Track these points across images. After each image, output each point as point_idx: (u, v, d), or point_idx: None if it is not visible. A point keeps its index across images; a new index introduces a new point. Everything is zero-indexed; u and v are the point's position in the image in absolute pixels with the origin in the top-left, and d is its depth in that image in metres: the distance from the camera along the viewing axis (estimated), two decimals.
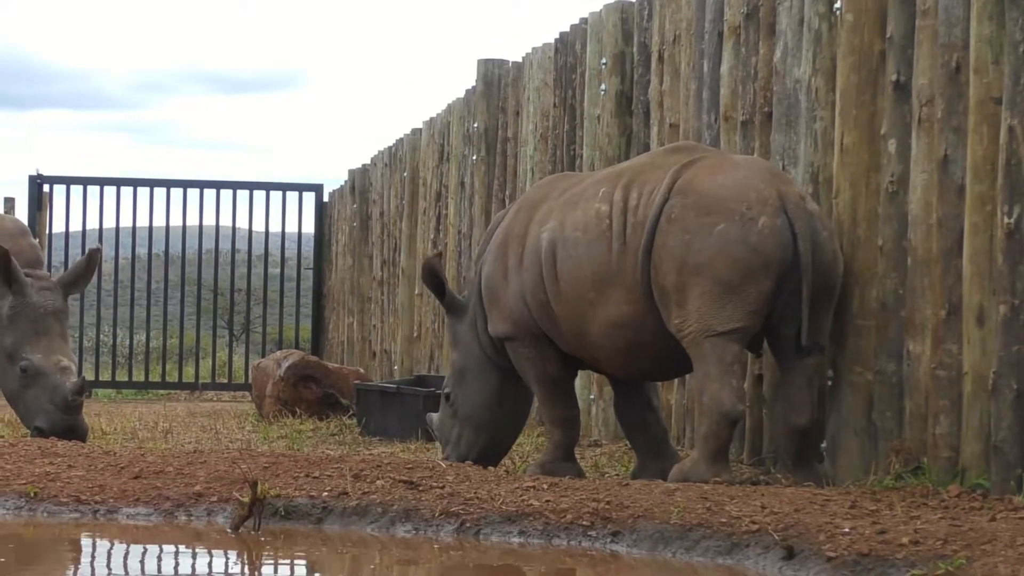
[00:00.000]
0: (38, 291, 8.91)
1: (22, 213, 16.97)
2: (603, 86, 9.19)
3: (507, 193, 11.02)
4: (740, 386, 6.45)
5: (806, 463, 6.40)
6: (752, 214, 6.29)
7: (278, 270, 18.23)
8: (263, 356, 15.14)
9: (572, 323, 6.76)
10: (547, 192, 7.14)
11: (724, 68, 7.65)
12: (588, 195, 6.79)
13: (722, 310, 6.27)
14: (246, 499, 5.51)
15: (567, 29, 9.98)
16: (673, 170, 6.54)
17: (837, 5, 6.59)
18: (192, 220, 17.28)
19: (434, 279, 7.38)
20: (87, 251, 9.52)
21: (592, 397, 9.19)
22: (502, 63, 11.55)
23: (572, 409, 7.12)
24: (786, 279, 6.30)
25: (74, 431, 8.58)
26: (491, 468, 6.83)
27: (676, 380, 7.95)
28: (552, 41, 10.23)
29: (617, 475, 7.15)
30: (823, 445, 6.53)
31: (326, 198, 18.64)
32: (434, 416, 7.63)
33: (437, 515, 5.51)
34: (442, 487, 5.82)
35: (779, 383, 6.52)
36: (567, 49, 9.93)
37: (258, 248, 19.20)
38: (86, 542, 5.61)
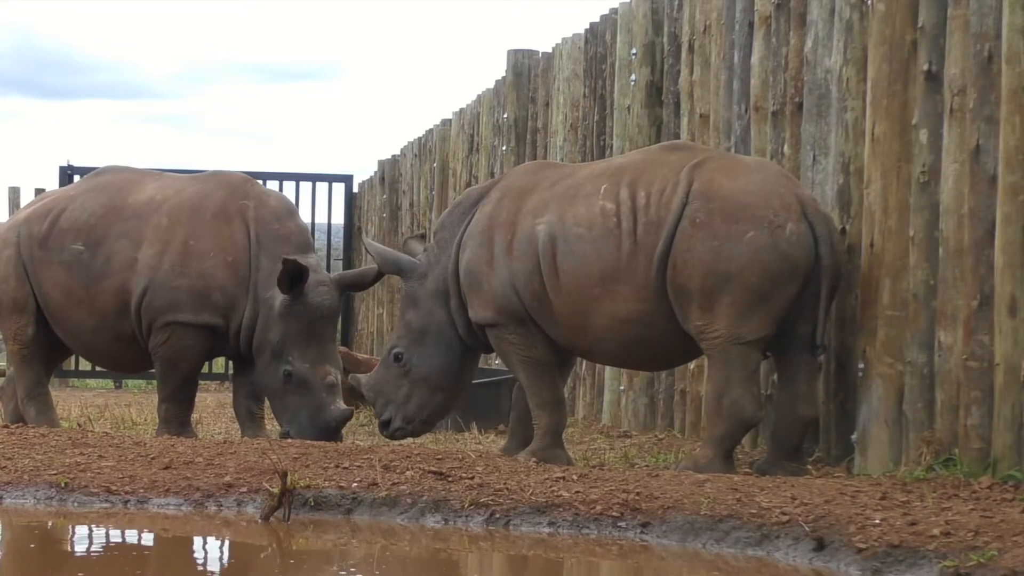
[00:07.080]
0: (314, 288, 8.07)
1: None
2: (633, 76, 9.17)
3: None
4: (759, 392, 6.59)
5: (798, 454, 6.60)
6: (780, 221, 6.41)
7: None
8: None
9: (572, 317, 6.81)
10: (534, 181, 7.11)
11: (755, 58, 7.62)
12: (588, 191, 6.82)
13: (751, 319, 6.41)
14: (276, 489, 5.52)
15: (597, 19, 9.97)
16: (686, 170, 6.60)
17: None
18: None
19: (395, 268, 7.45)
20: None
21: (622, 388, 9.17)
22: (532, 54, 11.55)
23: (558, 391, 7.17)
24: (807, 283, 6.45)
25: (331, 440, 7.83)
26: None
27: (697, 371, 7.92)
28: (582, 32, 10.22)
29: (647, 466, 7.13)
30: (853, 436, 6.52)
31: (355, 189, 18.65)
32: (363, 377, 7.62)
33: (467, 506, 5.51)
34: (471, 478, 5.82)
35: (785, 378, 6.62)
36: (597, 40, 9.92)
37: None
38: (116, 532, 5.62)
